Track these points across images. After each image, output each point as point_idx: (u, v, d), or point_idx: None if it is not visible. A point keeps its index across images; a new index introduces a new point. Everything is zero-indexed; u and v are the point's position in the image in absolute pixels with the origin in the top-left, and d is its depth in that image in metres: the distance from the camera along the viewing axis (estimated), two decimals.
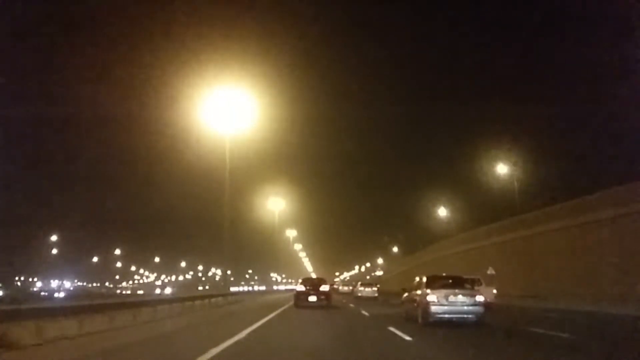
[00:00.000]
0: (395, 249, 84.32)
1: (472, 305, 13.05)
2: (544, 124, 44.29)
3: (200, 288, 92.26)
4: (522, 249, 33.76)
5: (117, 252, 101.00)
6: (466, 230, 47.12)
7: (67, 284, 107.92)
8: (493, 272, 29.83)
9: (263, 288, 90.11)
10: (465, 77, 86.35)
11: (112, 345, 9.35)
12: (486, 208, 44.87)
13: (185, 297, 23.34)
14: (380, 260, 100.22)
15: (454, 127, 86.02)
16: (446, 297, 13.04)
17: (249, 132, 31.63)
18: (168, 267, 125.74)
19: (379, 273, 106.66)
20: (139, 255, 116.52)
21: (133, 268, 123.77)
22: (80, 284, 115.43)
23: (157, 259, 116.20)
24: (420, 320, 13.54)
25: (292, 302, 24.29)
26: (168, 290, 73.47)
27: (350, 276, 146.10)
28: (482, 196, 44.01)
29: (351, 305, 27.14)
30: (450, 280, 14.41)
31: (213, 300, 25.55)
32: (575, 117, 42.17)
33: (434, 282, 14.06)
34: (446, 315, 12.99)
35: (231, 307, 25.15)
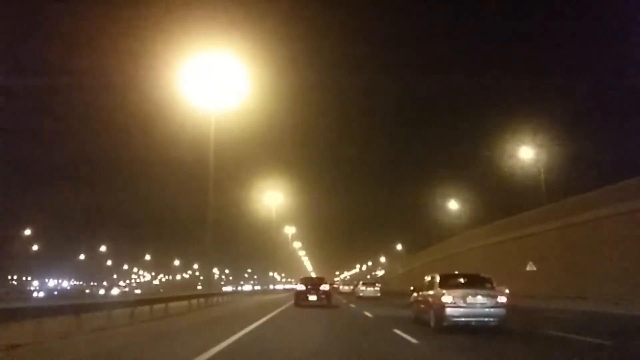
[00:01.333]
0: (399, 247, 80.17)
1: (493, 307, 11.33)
2: (576, 97, 40.46)
3: (199, 287, 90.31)
4: (550, 244, 28.12)
5: (102, 249, 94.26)
6: (481, 225, 41.19)
7: (65, 283, 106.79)
8: (534, 267, 26.46)
9: (257, 287, 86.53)
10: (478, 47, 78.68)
11: None
12: (504, 199, 40.38)
13: (142, 299, 18.45)
14: (382, 259, 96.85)
15: (465, 105, 79.84)
16: (463, 298, 11.32)
17: (239, 111, 28.62)
18: (162, 265, 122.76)
19: (380, 272, 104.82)
20: (131, 254, 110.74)
21: (126, 267, 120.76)
22: (76, 283, 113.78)
23: (147, 257, 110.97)
24: (432, 324, 11.85)
25: (289, 304, 23.43)
26: (115, 291, 63.64)
27: (351, 275, 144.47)
28: (501, 186, 39.69)
29: (352, 305, 25.91)
30: (467, 279, 12.68)
31: (193, 302, 21.28)
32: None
33: (449, 281, 12.34)
34: (463, 319, 11.28)
35: (213, 310, 20.98)
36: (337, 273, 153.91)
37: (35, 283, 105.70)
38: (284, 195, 52.84)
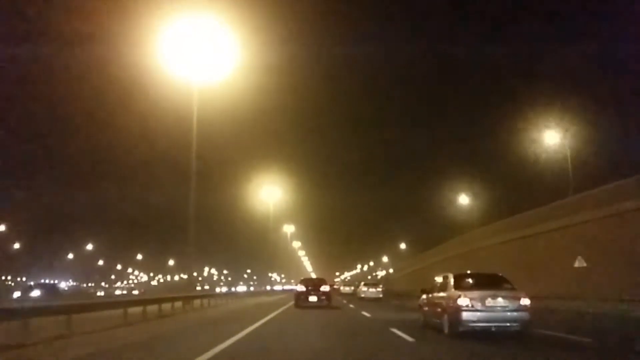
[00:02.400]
0: (403, 246, 76.54)
1: (515, 310, 10.06)
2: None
3: (198, 288, 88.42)
4: (605, 235, 21.62)
5: (88, 247, 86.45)
6: (497, 220, 36.28)
7: (63, 284, 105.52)
8: (583, 263, 21.92)
9: (248, 289, 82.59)
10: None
11: None
12: (524, 192, 36.89)
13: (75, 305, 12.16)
14: (385, 259, 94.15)
15: (478, 85, 74.92)
16: (482, 300, 10.03)
17: (229, 88, 26.13)
18: (157, 265, 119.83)
19: (381, 273, 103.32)
20: (122, 253, 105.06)
21: (119, 267, 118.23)
22: (74, 284, 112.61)
23: (140, 257, 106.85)
24: (446, 329, 10.57)
25: (284, 308, 21.76)
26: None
27: (351, 276, 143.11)
28: (521, 176, 36.21)
29: (351, 305, 25.17)
30: (484, 279, 11.42)
31: (165, 307, 17.41)
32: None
33: (464, 282, 11.06)
34: (482, 324, 10.01)
35: (186, 318, 16.64)
36: (337, 274, 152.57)
37: (31, 283, 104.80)
38: (282, 191, 50.35)
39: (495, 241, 33.73)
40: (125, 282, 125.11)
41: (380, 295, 35.99)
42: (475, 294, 10.15)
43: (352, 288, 54.72)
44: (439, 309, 11.17)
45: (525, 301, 10.16)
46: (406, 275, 66.16)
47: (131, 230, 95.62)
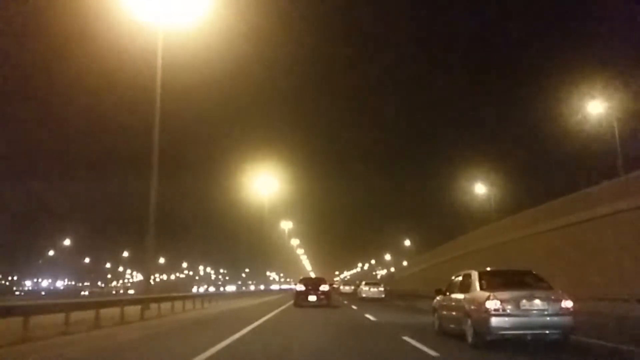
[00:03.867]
0: (407, 243, 71.38)
1: (555, 314, 8.28)
2: None
3: (196, 289, 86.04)
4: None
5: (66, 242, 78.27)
6: (518, 212, 29.87)
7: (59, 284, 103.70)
8: None
9: (240, 289, 76.02)
10: None
11: None
12: (559, 176, 31.95)
13: None
14: (388, 257, 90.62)
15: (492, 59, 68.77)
16: (516, 302, 8.25)
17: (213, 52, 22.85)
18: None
19: (382, 272, 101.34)
20: (107, 250, 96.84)
21: (108, 265, 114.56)
22: (70, 283, 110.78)
23: (125, 254, 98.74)
24: (470, 338, 8.78)
25: (275, 312, 18.91)
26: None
27: (351, 275, 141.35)
28: (555, 157, 31.74)
29: (353, 307, 23.45)
30: (516, 277, 9.61)
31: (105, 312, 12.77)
32: None
33: (493, 280, 9.25)
34: (516, 331, 8.24)
35: (123, 331, 11.76)
36: (336, 273, 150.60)
37: (28, 283, 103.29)
38: (278, 184, 46.74)
39: (525, 233, 27.06)
40: (121, 281, 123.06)
41: (383, 296, 34.33)
42: (507, 294, 8.36)
43: (352, 287, 53.48)
44: (460, 313, 9.38)
45: (567, 303, 8.37)
46: (414, 274, 61.85)
47: (112, 224, 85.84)
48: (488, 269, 9.99)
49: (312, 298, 22.56)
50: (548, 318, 8.26)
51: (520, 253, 25.54)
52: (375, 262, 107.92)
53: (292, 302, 24.24)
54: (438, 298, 11.26)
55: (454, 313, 9.83)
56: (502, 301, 8.25)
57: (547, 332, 8.29)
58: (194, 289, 72.73)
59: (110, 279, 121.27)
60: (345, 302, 28.89)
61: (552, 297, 8.43)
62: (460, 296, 9.64)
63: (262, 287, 62.58)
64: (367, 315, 16.75)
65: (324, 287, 23.36)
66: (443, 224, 51.73)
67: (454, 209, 45.11)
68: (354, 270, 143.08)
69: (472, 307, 8.83)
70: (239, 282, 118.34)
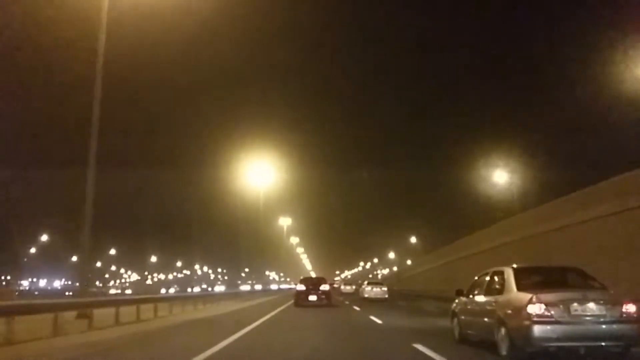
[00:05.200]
0: (413, 240, 65.29)
1: (615, 321, 6.61)
2: None
3: (196, 289, 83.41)
4: None
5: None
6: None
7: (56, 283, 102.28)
8: None
9: (221, 289, 69.57)
10: None
11: None
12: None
13: None
14: (392, 255, 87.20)
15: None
16: (566, 306, 6.57)
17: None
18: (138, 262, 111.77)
19: (384, 271, 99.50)
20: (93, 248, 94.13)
21: (99, 264, 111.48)
22: (67, 283, 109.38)
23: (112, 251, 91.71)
24: (505, 349, 7.12)
25: (262, 320, 14.37)
26: None
27: (352, 274, 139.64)
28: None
29: (356, 308, 22.04)
30: (560, 275, 7.92)
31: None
32: None
33: (532, 278, 7.59)
34: (565, 343, 6.56)
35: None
36: (337, 272, 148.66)
37: (25, 283, 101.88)
38: (275, 178, 42.15)
39: (560, 224, 21.17)
40: (116, 281, 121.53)
41: (386, 296, 32.85)
42: (554, 296, 6.68)
43: (354, 287, 52.38)
44: (490, 319, 7.68)
45: (630, 307, 6.68)
46: (423, 273, 57.73)
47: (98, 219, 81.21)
48: (524, 265, 8.26)
49: (313, 297, 22.83)
50: (605, 326, 6.57)
51: (555, 248, 20.58)
52: (378, 260, 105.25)
53: (289, 303, 23.83)
54: (459, 300, 9.58)
55: (481, 319, 8.13)
56: (547, 305, 6.57)
57: (604, 343, 6.61)
58: (188, 290, 70.61)
59: (107, 278, 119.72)
60: (347, 302, 27.38)
61: (610, 300, 6.74)
62: (490, 299, 7.95)
63: (258, 287, 59.63)
64: (372, 318, 15.17)
65: (324, 287, 23.64)
66: (457, 218, 46.85)
67: (470, 201, 40.05)
68: (355, 270, 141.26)
69: (508, 312, 7.14)
70: (249, 282, 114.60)
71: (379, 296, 32.39)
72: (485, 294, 8.24)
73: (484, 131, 44.41)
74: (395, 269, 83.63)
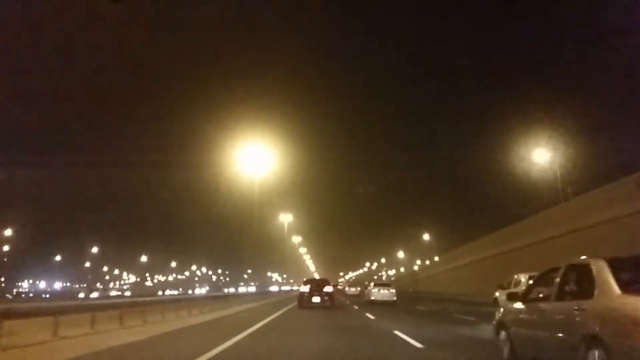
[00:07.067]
0: (426, 237, 59.62)
1: None
2: None
3: (197, 291, 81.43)
4: None
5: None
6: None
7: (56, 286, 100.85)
8: None
9: (202, 291, 64.77)
10: None
11: None
12: None
13: None
14: (401, 254, 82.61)
15: None
16: None
17: None
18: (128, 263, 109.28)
19: (391, 272, 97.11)
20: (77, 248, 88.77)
21: (105, 268, 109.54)
22: (67, 285, 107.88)
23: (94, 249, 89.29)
24: None
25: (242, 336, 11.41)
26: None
27: (356, 276, 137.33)
28: None
29: (371, 316, 17.96)
30: None
31: None
32: None
33: (636, 274, 5.18)
34: None
35: None
36: (341, 274, 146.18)
37: (25, 285, 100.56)
38: (273, 172, 41.16)
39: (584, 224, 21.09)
40: (116, 283, 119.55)
41: (394, 299, 30.66)
42: None
43: (358, 289, 51.00)
44: (570, 335, 5.29)
45: None
46: (444, 273, 51.06)
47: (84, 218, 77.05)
48: (622, 256, 5.77)
49: (316, 299, 23.00)
50: None
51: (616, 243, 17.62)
52: (386, 260, 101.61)
53: (287, 308, 22.68)
54: (509, 307, 7.18)
55: (553, 334, 5.72)
56: None
57: None
58: (189, 291, 68.66)
59: (107, 280, 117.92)
60: (356, 307, 25.10)
61: None
62: (568, 305, 5.55)
63: (253, 288, 56.84)
64: (397, 333, 11.11)
65: (328, 289, 23.74)
66: (482, 212, 43.56)
67: (502, 190, 37.23)
68: (360, 271, 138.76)
69: (606, 325, 4.76)
70: (252, 284, 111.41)
71: (386, 299, 30.28)
72: (558, 298, 5.85)
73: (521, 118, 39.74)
74: (402, 269, 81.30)
